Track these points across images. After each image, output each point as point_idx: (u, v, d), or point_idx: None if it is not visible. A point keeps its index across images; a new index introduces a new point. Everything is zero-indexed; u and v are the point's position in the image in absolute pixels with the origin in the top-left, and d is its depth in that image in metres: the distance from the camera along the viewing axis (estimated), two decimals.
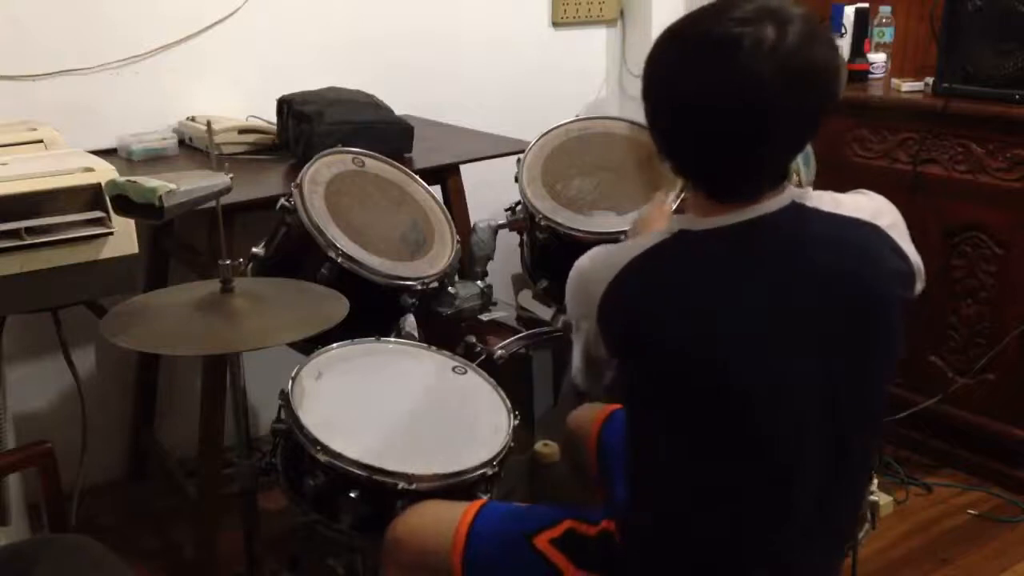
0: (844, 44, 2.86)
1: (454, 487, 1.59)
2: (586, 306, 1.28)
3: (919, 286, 1.29)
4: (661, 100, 1.23)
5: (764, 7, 1.14)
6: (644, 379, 1.26)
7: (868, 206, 1.27)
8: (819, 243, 1.21)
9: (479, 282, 2.23)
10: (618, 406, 1.72)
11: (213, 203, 1.65)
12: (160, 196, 1.52)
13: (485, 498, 1.61)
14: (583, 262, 1.33)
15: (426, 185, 2.21)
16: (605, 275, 1.25)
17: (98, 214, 1.85)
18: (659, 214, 1.74)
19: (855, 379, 1.22)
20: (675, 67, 1.20)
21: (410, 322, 1.97)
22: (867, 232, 1.24)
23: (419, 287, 1.98)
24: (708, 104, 1.15)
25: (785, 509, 1.24)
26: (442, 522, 1.47)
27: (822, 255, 1.20)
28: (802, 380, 1.19)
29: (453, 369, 1.88)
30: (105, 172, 1.87)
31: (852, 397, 1.23)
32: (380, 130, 2.41)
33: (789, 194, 1.22)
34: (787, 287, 1.19)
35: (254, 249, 2.03)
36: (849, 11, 2.86)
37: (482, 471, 1.63)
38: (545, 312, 2.37)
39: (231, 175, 1.68)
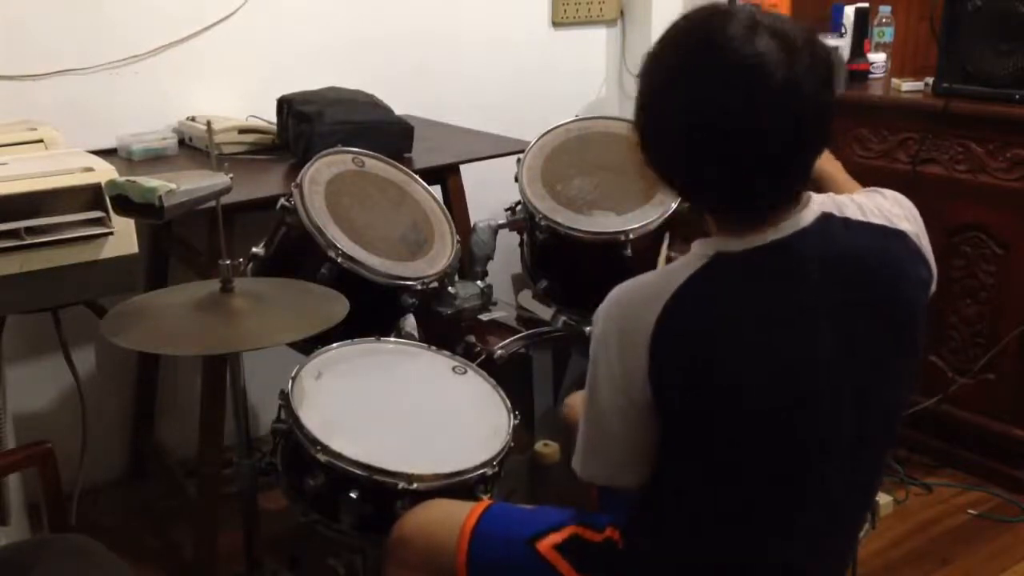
0: (844, 44, 2.86)
1: (454, 487, 1.59)
2: (629, 344, 1.20)
3: (933, 288, 1.29)
4: (677, 129, 1.17)
5: (753, 16, 1.13)
6: (682, 402, 1.21)
7: (891, 210, 1.26)
8: (853, 255, 1.20)
9: (479, 282, 2.23)
10: None
11: (213, 203, 1.65)
12: (160, 196, 1.52)
13: (488, 499, 1.61)
14: (618, 302, 1.24)
15: (426, 185, 2.20)
16: (652, 309, 1.19)
17: (98, 214, 1.85)
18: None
19: (882, 388, 1.22)
20: (695, 90, 1.14)
21: (410, 322, 1.97)
22: (892, 239, 1.24)
23: (419, 287, 1.98)
24: (740, 123, 1.12)
25: (798, 522, 1.24)
26: (448, 522, 1.46)
27: (851, 267, 1.20)
28: (836, 394, 1.19)
29: (453, 369, 1.88)
30: (105, 172, 1.87)
31: (877, 407, 1.23)
32: (380, 130, 2.41)
33: (816, 205, 1.21)
34: (821, 304, 1.18)
35: (254, 249, 2.03)
36: (849, 11, 2.86)
37: (482, 471, 1.63)
38: (545, 312, 2.37)
39: (231, 175, 1.68)
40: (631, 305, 1.23)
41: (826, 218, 1.21)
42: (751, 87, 1.11)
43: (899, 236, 1.24)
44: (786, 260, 1.19)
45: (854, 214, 1.24)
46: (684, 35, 1.18)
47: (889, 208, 1.27)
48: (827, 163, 1.59)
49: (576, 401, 1.80)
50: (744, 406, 1.18)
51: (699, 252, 1.23)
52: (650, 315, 1.18)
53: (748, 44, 1.11)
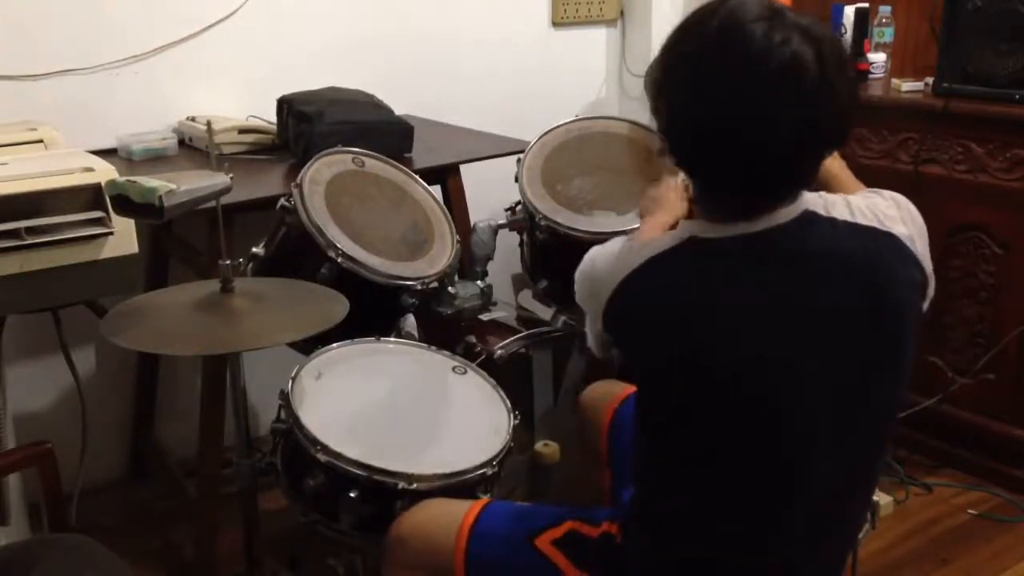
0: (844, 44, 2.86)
1: (454, 487, 1.59)
2: (593, 303, 1.31)
3: (930, 292, 1.29)
4: (691, 121, 1.18)
5: (773, 7, 1.13)
6: (652, 386, 1.25)
7: (886, 212, 1.26)
8: (831, 254, 1.20)
9: (479, 282, 2.23)
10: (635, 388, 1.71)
11: (213, 203, 1.65)
12: (160, 196, 1.52)
13: (487, 497, 1.61)
14: (593, 261, 1.33)
15: (426, 185, 2.20)
16: (612, 278, 1.25)
17: (98, 214, 1.85)
18: (670, 196, 1.68)
19: (869, 386, 1.22)
20: (715, 86, 1.14)
21: (410, 322, 1.97)
22: (881, 241, 1.23)
23: (419, 287, 1.98)
24: (751, 115, 1.12)
25: (792, 517, 1.24)
26: (445, 521, 1.47)
27: (833, 266, 1.20)
28: (815, 389, 1.19)
29: (453, 369, 1.88)
30: (105, 172, 1.87)
31: (865, 405, 1.23)
32: (380, 130, 2.41)
33: (802, 203, 1.21)
34: (798, 298, 1.18)
35: (254, 249, 2.03)
36: (849, 11, 2.86)
37: (482, 471, 1.63)
38: (545, 312, 2.37)
39: (231, 175, 1.68)
40: (598, 272, 1.31)
41: (809, 216, 1.21)
42: (763, 79, 1.10)
43: (888, 238, 1.24)
44: (758, 252, 1.20)
45: (842, 214, 1.24)
46: (702, 24, 1.17)
47: (884, 210, 1.26)
48: (832, 162, 1.59)
49: (595, 392, 1.83)
50: (704, 394, 1.19)
51: (676, 233, 1.25)
52: (608, 287, 1.26)
53: (763, 34, 1.10)
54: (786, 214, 1.20)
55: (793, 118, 1.12)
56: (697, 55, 1.16)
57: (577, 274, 1.36)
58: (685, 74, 1.17)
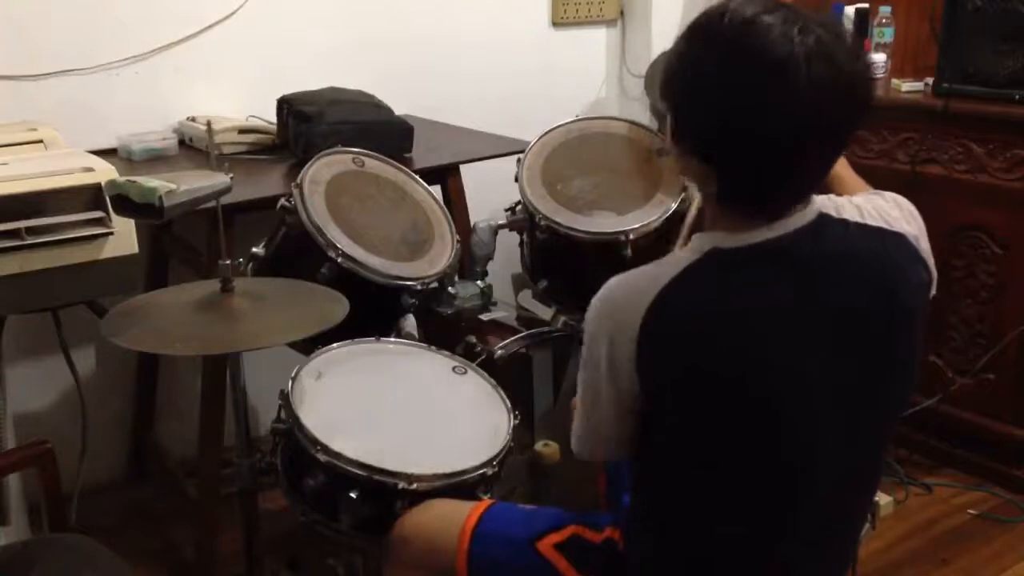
0: None
1: (454, 487, 1.59)
2: (619, 335, 1.22)
3: (933, 290, 1.29)
4: (709, 120, 1.16)
5: (798, 16, 1.12)
6: (673, 400, 1.22)
7: (890, 213, 1.27)
8: (845, 256, 1.20)
9: (479, 282, 2.23)
10: None
11: (213, 203, 1.65)
12: (160, 196, 1.52)
13: (489, 498, 1.61)
14: (610, 292, 1.26)
15: (426, 185, 2.21)
16: (642, 301, 1.20)
17: (98, 214, 1.85)
18: None
19: (878, 387, 1.22)
20: (730, 85, 1.12)
21: (410, 322, 1.97)
22: (890, 242, 1.23)
23: (419, 287, 1.98)
24: (772, 127, 1.11)
25: (797, 519, 1.24)
26: (448, 521, 1.47)
27: (847, 268, 1.20)
28: (831, 394, 1.19)
29: (453, 369, 1.88)
30: (105, 172, 1.87)
31: (871, 407, 1.23)
32: (380, 130, 2.41)
33: (816, 206, 1.21)
34: (812, 302, 1.18)
35: (254, 249, 2.03)
36: (849, 11, 2.86)
37: (482, 471, 1.63)
38: (545, 312, 2.37)
39: (231, 175, 1.68)
40: (622, 299, 1.24)
41: (823, 219, 1.21)
42: (797, 67, 1.09)
43: (897, 238, 1.24)
44: (779, 259, 1.19)
45: (852, 216, 1.24)
46: (714, 25, 1.15)
47: (888, 211, 1.27)
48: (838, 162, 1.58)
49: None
50: (730, 404, 1.18)
51: (695, 247, 1.23)
52: (639, 310, 1.20)
53: (781, 25, 1.10)
54: (802, 218, 1.20)
55: (834, 99, 1.11)
56: (719, 55, 1.14)
57: (592, 314, 1.27)
58: (709, 75, 1.15)
